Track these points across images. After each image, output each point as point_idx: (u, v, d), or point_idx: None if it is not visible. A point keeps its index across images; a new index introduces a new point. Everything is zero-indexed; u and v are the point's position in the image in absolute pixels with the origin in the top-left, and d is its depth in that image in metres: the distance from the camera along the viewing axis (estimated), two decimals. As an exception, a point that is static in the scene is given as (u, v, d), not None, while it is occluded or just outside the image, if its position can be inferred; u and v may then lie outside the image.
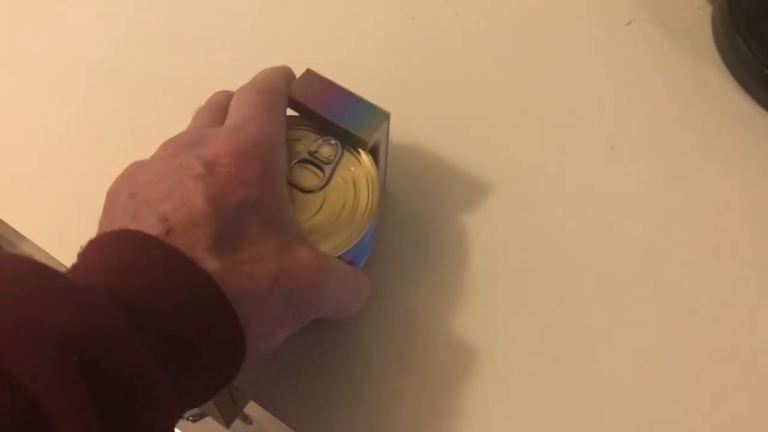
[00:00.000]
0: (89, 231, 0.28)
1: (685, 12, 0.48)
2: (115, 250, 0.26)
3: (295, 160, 0.34)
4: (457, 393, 0.35)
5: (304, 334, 0.31)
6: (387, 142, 0.36)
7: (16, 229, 0.39)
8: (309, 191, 0.34)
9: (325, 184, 0.34)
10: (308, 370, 0.35)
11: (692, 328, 0.37)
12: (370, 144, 0.34)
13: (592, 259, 0.39)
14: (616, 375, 0.35)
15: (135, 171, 0.29)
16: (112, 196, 0.29)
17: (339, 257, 0.32)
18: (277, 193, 0.30)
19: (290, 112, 0.36)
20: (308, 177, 0.34)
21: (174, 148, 0.30)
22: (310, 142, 0.35)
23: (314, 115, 0.35)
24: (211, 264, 0.26)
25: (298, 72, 0.36)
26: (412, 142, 0.42)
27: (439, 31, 0.47)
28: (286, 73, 0.35)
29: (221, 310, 0.26)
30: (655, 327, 0.37)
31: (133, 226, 0.27)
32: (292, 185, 0.34)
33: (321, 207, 0.33)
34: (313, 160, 0.34)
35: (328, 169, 0.34)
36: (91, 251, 0.27)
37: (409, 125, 0.42)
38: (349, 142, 0.35)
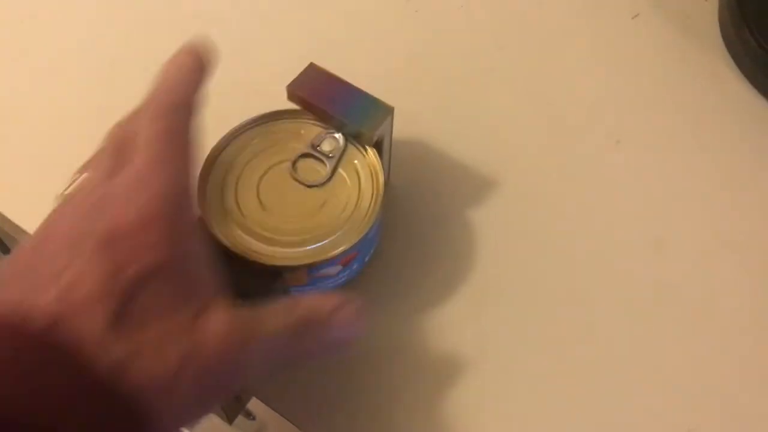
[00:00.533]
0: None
1: (692, 5, 0.48)
2: None
3: (298, 154, 0.34)
4: (463, 391, 0.34)
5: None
6: (391, 136, 0.36)
7: (17, 223, 0.39)
8: (312, 186, 0.33)
9: (329, 179, 0.34)
10: (311, 367, 0.35)
11: (701, 322, 0.36)
12: (375, 138, 0.34)
13: (600, 253, 0.38)
14: (626, 372, 0.35)
15: (43, 239, 0.26)
16: (18, 258, 0.26)
17: (344, 252, 0.32)
18: (189, 248, 0.27)
19: (293, 105, 0.35)
20: (311, 171, 0.34)
21: (73, 215, 0.27)
22: (312, 136, 0.35)
23: (317, 110, 0.35)
24: (106, 353, 0.23)
25: (302, 66, 0.36)
26: (416, 137, 0.42)
27: (443, 23, 0.47)
28: (190, 65, 0.30)
29: (115, 411, 0.23)
30: (665, 321, 0.36)
31: (25, 301, 0.24)
32: (296, 180, 0.33)
33: (325, 202, 0.33)
34: (316, 155, 0.34)
35: (331, 163, 0.34)
36: None
37: (413, 119, 0.41)
38: (353, 136, 0.34)
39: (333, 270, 0.33)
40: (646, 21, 0.47)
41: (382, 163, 0.34)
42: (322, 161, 0.34)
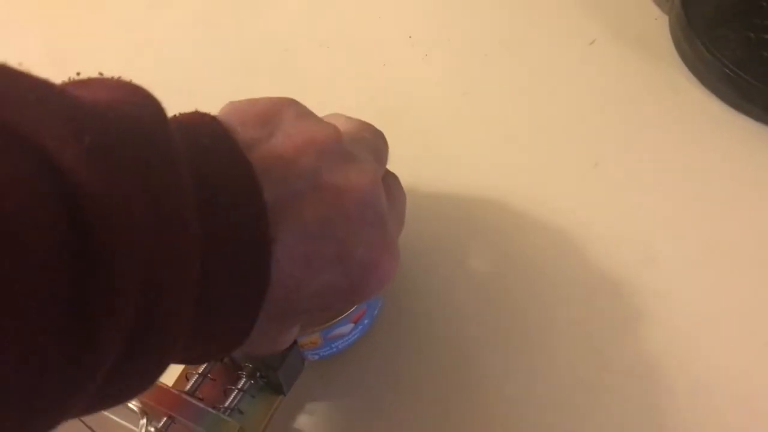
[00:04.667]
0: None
1: (644, 25, 0.50)
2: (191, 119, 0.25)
3: None
4: (455, 410, 0.35)
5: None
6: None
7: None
8: None
9: None
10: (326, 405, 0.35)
11: (698, 332, 0.37)
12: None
13: (592, 274, 0.39)
14: (624, 387, 0.36)
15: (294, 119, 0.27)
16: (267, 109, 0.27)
17: (355, 310, 0.33)
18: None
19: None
20: None
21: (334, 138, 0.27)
22: None
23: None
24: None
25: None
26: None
27: (409, 73, 0.48)
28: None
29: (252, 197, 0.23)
30: (662, 334, 0.37)
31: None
32: None
33: None
34: None
35: None
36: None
37: (392, 170, 0.42)
38: None
39: (346, 329, 0.34)
40: (604, 45, 0.49)
41: None
42: None
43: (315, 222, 0.24)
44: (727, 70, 0.44)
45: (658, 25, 0.50)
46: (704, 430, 0.35)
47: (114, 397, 0.22)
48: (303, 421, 0.35)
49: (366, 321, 0.35)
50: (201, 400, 0.31)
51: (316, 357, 0.35)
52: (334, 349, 0.35)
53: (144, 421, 0.33)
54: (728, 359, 0.36)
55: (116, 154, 0.19)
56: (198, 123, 0.24)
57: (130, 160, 0.20)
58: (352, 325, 0.34)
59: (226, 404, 0.32)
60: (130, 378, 0.21)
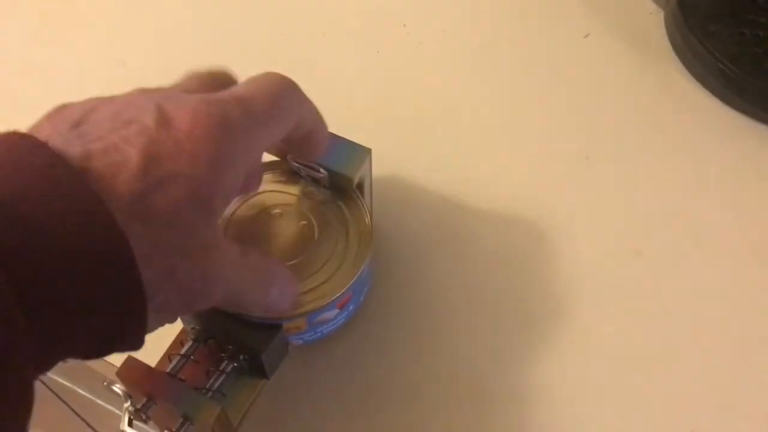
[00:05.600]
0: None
1: (638, 19, 0.50)
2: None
3: (281, 205, 0.35)
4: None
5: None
6: (371, 177, 0.37)
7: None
8: (300, 234, 0.34)
9: (316, 226, 0.34)
10: (305, 399, 0.35)
11: (688, 325, 0.37)
12: (356, 181, 0.35)
13: (582, 267, 0.39)
14: (616, 383, 0.36)
15: (99, 101, 0.26)
16: (62, 109, 0.26)
17: (340, 296, 0.32)
18: (216, 189, 0.26)
19: (271, 157, 0.36)
20: (297, 220, 0.34)
21: (142, 93, 0.27)
22: (295, 185, 0.35)
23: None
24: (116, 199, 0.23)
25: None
26: (391, 174, 0.43)
27: (403, 62, 0.48)
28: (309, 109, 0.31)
29: (107, 234, 0.22)
30: (654, 326, 0.37)
31: (50, 142, 0.23)
32: (282, 230, 0.34)
33: (315, 248, 0.34)
34: (300, 203, 0.35)
35: (316, 210, 0.35)
36: None
37: (384, 157, 0.42)
38: (335, 181, 0.35)
39: (331, 314, 0.34)
40: (598, 39, 0.49)
41: (365, 203, 0.35)
42: (306, 210, 0.35)
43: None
44: (721, 66, 0.44)
45: (653, 20, 0.50)
46: (697, 424, 0.35)
47: None
48: (285, 405, 0.35)
49: (351, 307, 0.35)
50: (183, 381, 0.31)
51: (301, 342, 0.35)
52: (319, 334, 0.35)
53: (128, 404, 0.33)
54: (720, 355, 0.36)
55: None
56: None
57: None
58: (337, 311, 0.34)
59: (208, 386, 0.31)
60: None
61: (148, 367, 0.31)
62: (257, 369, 0.33)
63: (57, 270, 0.21)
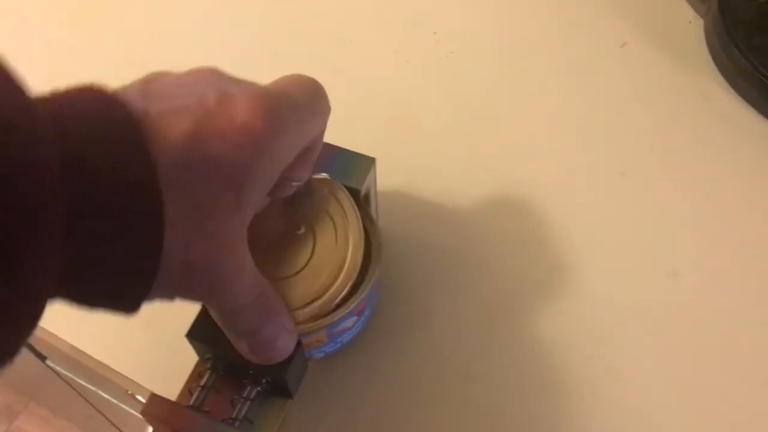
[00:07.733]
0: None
1: (677, 28, 0.48)
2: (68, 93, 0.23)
3: (288, 219, 0.33)
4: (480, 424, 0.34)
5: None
6: (375, 185, 0.36)
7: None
8: (304, 248, 0.33)
9: (317, 236, 0.33)
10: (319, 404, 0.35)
11: (722, 347, 0.36)
12: (363, 192, 0.34)
13: (612, 287, 0.38)
14: (648, 405, 0.35)
15: (170, 72, 0.27)
16: (134, 83, 0.26)
17: (358, 303, 0.32)
18: (252, 182, 0.26)
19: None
20: (298, 233, 0.33)
21: (212, 71, 0.28)
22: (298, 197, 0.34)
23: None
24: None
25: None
26: (397, 183, 0.42)
27: (433, 71, 0.47)
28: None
29: (146, 186, 0.23)
30: (685, 346, 0.36)
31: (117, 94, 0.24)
32: (291, 244, 0.33)
33: (325, 260, 0.32)
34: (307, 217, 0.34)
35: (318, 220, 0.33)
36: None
37: (411, 165, 0.41)
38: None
39: (350, 323, 0.33)
40: (635, 48, 0.47)
41: (371, 213, 0.35)
42: (306, 222, 0.33)
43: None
44: (765, 80, 0.42)
45: (692, 29, 0.48)
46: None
47: None
48: (314, 422, 0.34)
49: (367, 312, 0.34)
50: (208, 413, 0.31)
51: (322, 354, 0.34)
52: (339, 344, 0.34)
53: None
54: (763, 386, 0.35)
55: None
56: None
57: None
58: (355, 318, 0.33)
59: (234, 415, 0.31)
60: None
61: (173, 403, 0.30)
62: (281, 389, 0.33)
63: (99, 204, 0.22)
